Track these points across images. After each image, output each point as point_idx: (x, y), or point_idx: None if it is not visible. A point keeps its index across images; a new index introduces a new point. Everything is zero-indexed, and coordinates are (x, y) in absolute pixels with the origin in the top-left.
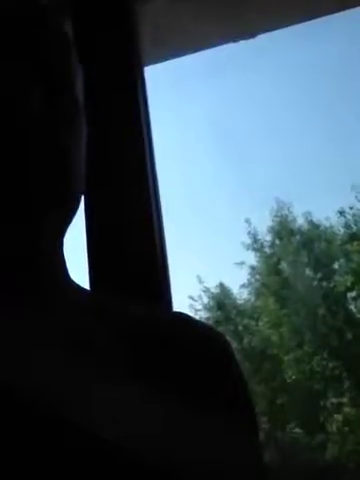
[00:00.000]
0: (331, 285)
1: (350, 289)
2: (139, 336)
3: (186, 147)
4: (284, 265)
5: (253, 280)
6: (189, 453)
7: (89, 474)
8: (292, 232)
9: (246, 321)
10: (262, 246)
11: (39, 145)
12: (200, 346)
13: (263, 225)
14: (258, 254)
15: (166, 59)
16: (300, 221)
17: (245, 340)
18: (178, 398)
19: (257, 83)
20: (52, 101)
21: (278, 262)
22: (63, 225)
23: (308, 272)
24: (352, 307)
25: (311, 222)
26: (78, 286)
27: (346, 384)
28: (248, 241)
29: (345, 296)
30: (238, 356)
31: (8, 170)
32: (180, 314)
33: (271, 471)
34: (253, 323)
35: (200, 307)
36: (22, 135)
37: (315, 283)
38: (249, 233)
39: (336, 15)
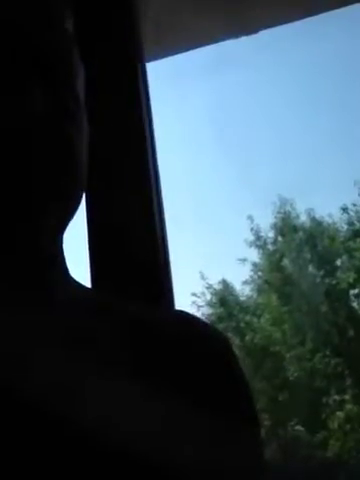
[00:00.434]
0: (334, 282)
1: (353, 286)
2: (140, 334)
3: (188, 144)
4: (287, 262)
5: (256, 277)
6: (189, 452)
7: (89, 472)
8: (295, 229)
9: (248, 318)
10: (265, 243)
11: (41, 143)
12: (201, 344)
13: (266, 222)
14: (261, 251)
15: (167, 55)
16: (303, 218)
17: (247, 337)
18: (179, 397)
19: (259, 79)
20: (54, 99)
21: (281, 259)
22: (64, 221)
23: (311, 269)
24: (355, 304)
25: (314, 219)
26: (78, 283)
27: (348, 381)
28: (251, 238)
29: (348, 293)
30: (240, 353)
31: (10, 170)
32: (181, 312)
33: (272, 469)
34: (255, 320)
35: (203, 303)
36: (24, 134)
37: (318, 280)
38: (252, 230)
39: (338, 11)
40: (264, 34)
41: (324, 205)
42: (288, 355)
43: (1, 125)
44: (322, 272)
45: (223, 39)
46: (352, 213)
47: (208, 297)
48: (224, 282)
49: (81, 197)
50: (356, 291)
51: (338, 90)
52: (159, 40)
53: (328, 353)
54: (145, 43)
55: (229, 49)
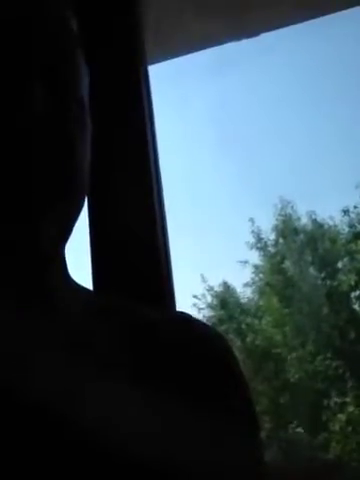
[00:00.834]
0: (335, 284)
1: (354, 288)
2: (140, 336)
3: (190, 146)
4: (288, 264)
5: (257, 279)
6: (188, 454)
7: (90, 474)
8: (296, 231)
9: (249, 320)
10: (266, 245)
11: (42, 144)
12: (201, 346)
13: (267, 224)
14: (262, 253)
15: (170, 58)
16: (304, 220)
17: (248, 339)
18: (179, 399)
19: (261, 82)
20: (56, 100)
21: (282, 261)
22: (66, 223)
23: (312, 271)
24: (356, 306)
25: (315, 221)
26: (79, 286)
27: (349, 383)
28: (252, 240)
29: (349, 295)
30: (241, 355)
31: (10, 170)
32: (181, 314)
33: (272, 471)
34: (256, 322)
35: (204, 306)
36: (24, 134)
37: (319, 282)
38: (253, 232)
39: (341, 13)
40: (266, 36)
41: (325, 207)
42: (289, 357)
43: (1, 125)
44: (323, 274)
45: (224, 42)
46: (353, 215)
47: (209, 299)
48: (225, 284)
49: (83, 199)
50: (357, 293)
51: (340, 92)
52: (161, 43)
53: (329, 355)
54: (147, 46)
55: (231, 51)
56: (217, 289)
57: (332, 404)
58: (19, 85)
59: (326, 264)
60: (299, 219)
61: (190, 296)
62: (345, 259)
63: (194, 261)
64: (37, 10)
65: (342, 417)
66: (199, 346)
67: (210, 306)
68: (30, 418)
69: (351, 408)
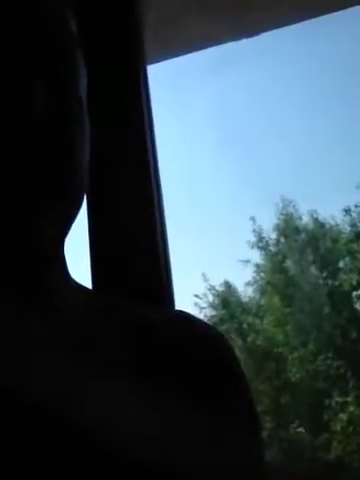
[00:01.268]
0: (336, 283)
1: (355, 288)
2: (140, 336)
3: (190, 145)
4: (289, 263)
5: (258, 278)
6: (189, 453)
7: (90, 473)
8: (297, 230)
9: (251, 319)
10: (267, 244)
11: (41, 143)
12: (201, 346)
13: (268, 223)
14: (263, 252)
15: (169, 58)
16: (305, 219)
17: (249, 338)
18: (179, 398)
19: (261, 81)
20: (55, 100)
21: (283, 260)
22: (65, 222)
23: (313, 270)
24: (357, 306)
25: (316, 220)
26: (79, 285)
27: (351, 383)
28: (253, 239)
29: (350, 295)
30: (242, 354)
31: (10, 170)
32: (181, 313)
33: (273, 471)
34: (258, 321)
35: (205, 305)
36: (24, 134)
37: (320, 281)
38: (254, 231)
39: (340, 13)
40: (266, 35)
41: (327, 207)
42: (290, 357)
43: (1, 125)
44: (325, 274)
45: (224, 42)
46: (355, 215)
47: (210, 298)
48: (226, 283)
49: (82, 199)
50: (359, 293)
51: (341, 91)
52: (161, 43)
53: (331, 355)
54: (147, 46)
55: (231, 50)
56: (218, 288)
57: (333, 404)
58: (19, 85)
59: (327, 263)
60: (300, 218)
61: (191, 295)
62: (346, 258)
63: (195, 260)
64: (37, 10)
65: (343, 417)
66: (200, 346)
67: (211, 305)
68: (31, 418)
69: (352, 408)
